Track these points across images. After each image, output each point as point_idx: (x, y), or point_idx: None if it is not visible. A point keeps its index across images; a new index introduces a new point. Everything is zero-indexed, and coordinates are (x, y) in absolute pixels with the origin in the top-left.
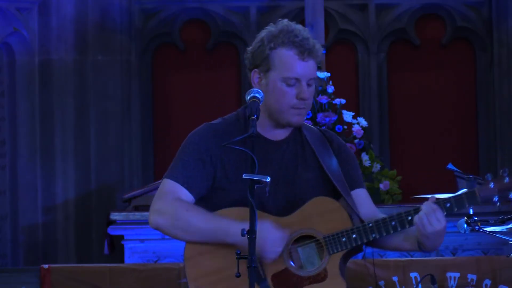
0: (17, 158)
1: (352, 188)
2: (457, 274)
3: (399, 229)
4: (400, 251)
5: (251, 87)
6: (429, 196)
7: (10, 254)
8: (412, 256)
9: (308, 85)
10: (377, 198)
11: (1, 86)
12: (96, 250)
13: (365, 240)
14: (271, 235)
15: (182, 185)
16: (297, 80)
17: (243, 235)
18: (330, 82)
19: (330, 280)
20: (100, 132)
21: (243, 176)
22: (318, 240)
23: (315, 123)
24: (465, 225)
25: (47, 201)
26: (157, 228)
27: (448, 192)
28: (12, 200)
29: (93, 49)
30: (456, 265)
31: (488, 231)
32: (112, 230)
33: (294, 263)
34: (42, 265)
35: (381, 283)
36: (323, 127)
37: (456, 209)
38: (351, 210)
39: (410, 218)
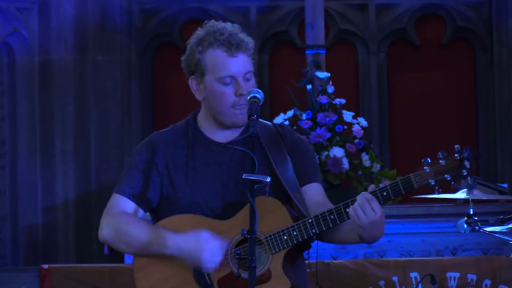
0: (17, 158)
1: (303, 184)
2: (457, 274)
3: (338, 222)
4: (344, 244)
5: None
6: (429, 196)
7: (10, 254)
8: (412, 256)
9: (246, 79)
10: None
11: (1, 86)
12: (96, 250)
13: (305, 236)
14: (208, 245)
15: (128, 198)
16: (232, 77)
17: (243, 235)
18: (330, 82)
19: (274, 280)
20: (100, 132)
21: (243, 176)
22: (260, 240)
23: (315, 123)
24: (465, 225)
25: (47, 201)
26: (104, 242)
27: (448, 192)
28: (12, 200)
29: (93, 49)
30: (456, 265)
31: (488, 231)
32: None
33: (239, 265)
34: (42, 265)
35: (381, 283)
36: (322, 128)
37: (393, 196)
38: (297, 209)
39: (348, 210)
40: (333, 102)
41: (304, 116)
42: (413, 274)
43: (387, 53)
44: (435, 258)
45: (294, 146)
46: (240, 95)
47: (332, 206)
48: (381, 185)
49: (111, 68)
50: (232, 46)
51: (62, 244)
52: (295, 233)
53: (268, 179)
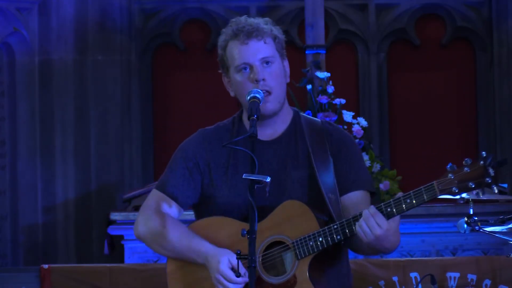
0: (17, 158)
1: (346, 191)
2: (457, 274)
3: None
4: (360, 253)
5: None
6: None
7: (10, 254)
8: (412, 256)
9: (265, 65)
10: (377, 198)
11: (1, 86)
12: (96, 250)
13: (331, 242)
14: (222, 267)
15: (168, 195)
16: (247, 64)
17: (243, 235)
18: (330, 82)
19: (299, 286)
20: (100, 132)
21: (243, 176)
22: (288, 245)
23: None
24: (465, 225)
25: (47, 201)
26: (139, 239)
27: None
28: (12, 200)
29: (93, 49)
30: (456, 265)
31: (488, 231)
32: (112, 230)
33: (268, 269)
34: (42, 265)
35: (381, 283)
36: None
37: (416, 204)
38: (328, 213)
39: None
40: (333, 102)
41: None
42: (413, 274)
43: (387, 53)
44: (435, 258)
45: (340, 149)
46: (256, 80)
47: None
48: (399, 195)
49: (111, 68)
50: (242, 34)
51: (62, 244)
52: (320, 239)
53: (268, 179)
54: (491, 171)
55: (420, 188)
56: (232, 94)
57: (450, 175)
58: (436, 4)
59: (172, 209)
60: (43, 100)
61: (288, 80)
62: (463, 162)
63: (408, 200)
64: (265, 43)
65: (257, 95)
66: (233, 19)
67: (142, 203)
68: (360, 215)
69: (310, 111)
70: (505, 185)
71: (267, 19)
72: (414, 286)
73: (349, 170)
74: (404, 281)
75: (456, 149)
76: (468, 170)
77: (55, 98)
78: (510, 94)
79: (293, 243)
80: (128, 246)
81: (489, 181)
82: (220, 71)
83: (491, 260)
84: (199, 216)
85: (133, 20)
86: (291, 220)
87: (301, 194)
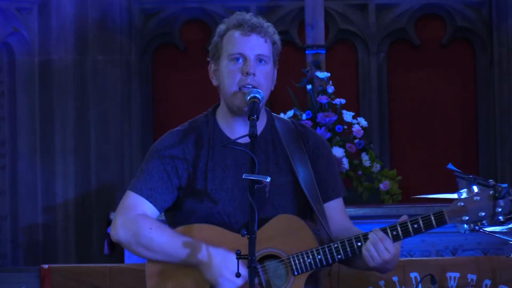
0: (17, 158)
1: (326, 199)
2: (457, 274)
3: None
4: (358, 269)
5: None
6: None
7: (10, 254)
8: (412, 256)
9: (260, 62)
10: (377, 198)
11: (1, 86)
12: (96, 250)
13: (330, 262)
14: (230, 269)
15: (146, 198)
16: (242, 55)
17: (243, 235)
18: (330, 82)
19: None
20: (100, 132)
21: (243, 176)
22: (283, 260)
23: (315, 123)
24: (465, 225)
25: (47, 201)
26: (118, 242)
27: (448, 192)
28: (12, 200)
29: (93, 49)
30: (456, 265)
31: (488, 231)
32: None
33: (259, 282)
34: (42, 265)
35: (381, 283)
36: (323, 128)
37: (424, 230)
38: (319, 225)
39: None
40: (333, 102)
41: (304, 116)
42: (413, 274)
43: (387, 53)
44: (435, 258)
45: (318, 152)
46: (247, 73)
47: (350, 223)
48: (405, 218)
49: (111, 68)
50: (245, 25)
51: (62, 244)
52: (319, 257)
53: (268, 179)
54: (501, 201)
55: (429, 214)
56: (215, 83)
57: (460, 203)
58: (436, 4)
59: (150, 212)
60: (43, 100)
61: (273, 87)
62: (471, 189)
63: (416, 226)
64: (265, 42)
65: (257, 95)
66: (239, 12)
67: None
68: (364, 235)
69: (310, 111)
70: (505, 185)
71: (270, 24)
72: (414, 286)
73: (328, 178)
74: (404, 281)
75: (456, 149)
76: (478, 199)
77: (55, 98)
78: (510, 94)
79: (288, 258)
80: None
81: (500, 210)
82: (208, 59)
83: (491, 260)
84: (173, 220)
85: (133, 20)
86: (286, 235)
87: (286, 202)
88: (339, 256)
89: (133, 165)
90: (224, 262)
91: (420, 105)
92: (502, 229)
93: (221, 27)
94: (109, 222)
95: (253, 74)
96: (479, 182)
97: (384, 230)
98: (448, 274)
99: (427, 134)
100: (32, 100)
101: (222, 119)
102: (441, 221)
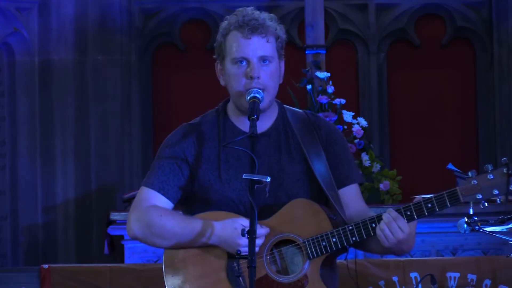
0: (17, 158)
1: (341, 185)
2: (457, 274)
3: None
4: (376, 253)
5: None
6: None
7: (10, 254)
8: (412, 256)
9: (263, 63)
10: (377, 198)
11: (1, 86)
12: (96, 250)
13: (345, 244)
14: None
15: (158, 191)
16: (245, 59)
17: (243, 235)
18: (330, 82)
19: (310, 286)
20: (100, 132)
21: (243, 176)
22: (298, 244)
23: None
24: (465, 225)
25: (47, 201)
26: (134, 238)
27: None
28: (12, 200)
29: (93, 49)
30: (456, 265)
31: (488, 231)
32: (112, 230)
33: (275, 268)
34: (42, 265)
35: (381, 283)
36: None
37: (437, 209)
38: (334, 211)
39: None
40: (333, 102)
41: None
42: (413, 274)
43: (387, 53)
44: (435, 258)
45: (331, 140)
46: (251, 77)
47: (367, 208)
48: (424, 196)
49: (111, 68)
50: (246, 28)
51: (62, 244)
52: (334, 239)
53: (268, 179)
54: None
55: (442, 193)
56: (222, 83)
57: (473, 181)
58: (436, 4)
59: (162, 204)
60: (43, 100)
61: (281, 80)
62: (485, 168)
63: (430, 205)
64: (267, 41)
65: (257, 95)
66: (240, 9)
67: None
68: (378, 216)
69: (310, 111)
70: None
71: (272, 15)
72: (414, 286)
73: (342, 164)
74: (404, 281)
75: (456, 149)
76: (492, 177)
77: (55, 98)
78: (510, 94)
79: (304, 242)
80: (128, 246)
81: None
82: (214, 57)
83: (491, 260)
84: (188, 212)
85: (133, 20)
86: (301, 219)
87: (300, 190)
88: (354, 238)
89: (133, 165)
90: (236, 232)
91: (420, 105)
92: (502, 229)
93: (224, 25)
94: (109, 222)
95: (258, 77)
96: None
97: (398, 211)
98: (448, 274)
99: (427, 134)
100: (32, 100)
101: (233, 114)
102: (455, 200)
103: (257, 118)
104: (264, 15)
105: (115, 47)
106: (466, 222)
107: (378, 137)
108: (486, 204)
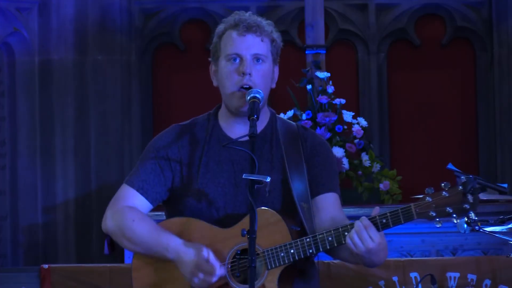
0: (17, 158)
1: (318, 193)
2: (457, 274)
3: (335, 245)
4: (345, 261)
5: None
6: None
7: (10, 254)
8: (412, 256)
9: (257, 62)
10: (377, 198)
11: (1, 86)
12: (96, 250)
13: (302, 256)
14: (205, 266)
15: (137, 190)
16: (238, 56)
17: (243, 235)
18: (330, 82)
19: None
20: (100, 132)
21: (243, 176)
22: (258, 253)
23: (315, 123)
24: (465, 225)
25: (47, 201)
26: (107, 233)
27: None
28: (12, 200)
29: (93, 49)
30: (456, 265)
31: (488, 231)
32: None
33: (240, 275)
34: (42, 265)
35: (381, 283)
36: (322, 128)
37: (392, 225)
38: (299, 222)
39: (346, 233)
40: (333, 102)
41: (304, 116)
42: (413, 274)
43: (387, 53)
44: (435, 258)
45: (314, 151)
46: (243, 73)
47: (344, 219)
48: (377, 211)
49: (111, 68)
50: (241, 25)
51: (62, 244)
52: (292, 250)
53: (268, 179)
54: (469, 197)
55: (397, 209)
56: (215, 83)
57: (428, 198)
58: (436, 4)
59: (140, 204)
60: (43, 100)
61: (273, 86)
62: (442, 185)
63: (384, 220)
64: (261, 41)
65: (257, 95)
66: (238, 12)
67: None
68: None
69: (310, 111)
70: (505, 185)
71: (270, 22)
72: (414, 286)
73: (321, 174)
74: (404, 281)
75: (456, 149)
76: (447, 195)
77: (55, 98)
78: (510, 94)
79: (263, 252)
80: None
81: (467, 207)
82: (209, 59)
83: (491, 260)
84: (169, 214)
85: (133, 20)
86: (263, 229)
87: (274, 198)
88: (311, 251)
89: (133, 165)
90: (195, 260)
91: (420, 105)
92: (502, 229)
93: (220, 27)
94: None
95: (249, 74)
96: (479, 182)
97: (372, 219)
98: (448, 274)
99: (427, 134)
100: (32, 100)
101: (223, 119)
102: (408, 216)
103: (257, 118)
104: (261, 19)
105: (115, 47)
106: (466, 222)
107: (378, 137)
108: (440, 223)
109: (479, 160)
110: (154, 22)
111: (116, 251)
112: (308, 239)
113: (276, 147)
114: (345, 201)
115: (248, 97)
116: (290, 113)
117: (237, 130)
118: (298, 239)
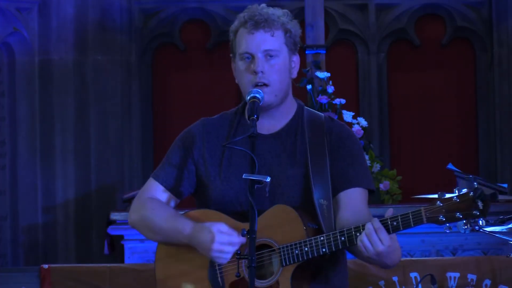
0: (17, 158)
1: (342, 189)
2: (457, 274)
3: (347, 245)
4: (361, 260)
5: None
6: (429, 196)
7: (10, 254)
8: (412, 256)
9: (268, 58)
10: (377, 198)
11: (1, 86)
12: (96, 250)
13: (316, 254)
14: (219, 237)
15: (161, 183)
16: (250, 54)
17: (243, 235)
18: (330, 82)
19: None
20: (100, 132)
21: (243, 176)
22: (274, 250)
23: None
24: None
25: (47, 201)
26: (133, 227)
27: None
28: (12, 200)
29: (93, 49)
30: (456, 265)
31: (488, 231)
32: (112, 230)
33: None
34: (42, 265)
35: (381, 283)
36: None
37: (402, 228)
38: (317, 220)
39: (358, 234)
40: (333, 102)
41: None
42: (413, 274)
43: (387, 53)
44: (435, 258)
45: (340, 144)
46: (254, 72)
47: (367, 216)
48: (391, 214)
49: (111, 68)
50: (250, 23)
51: (62, 244)
52: (306, 249)
53: (268, 179)
54: (480, 203)
55: (407, 212)
56: (236, 80)
57: (438, 202)
58: (436, 4)
59: (165, 197)
60: (43, 100)
61: (294, 75)
62: (453, 190)
63: (395, 223)
64: (272, 35)
65: (257, 95)
66: (250, 6)
67: None
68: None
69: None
70: (505, 185)
71: (285, 11)
72: (414, 286)
73: (346, 167)
74: (404, 281)
75: (456, 149)
76: (458, 200)
77: (55, 98)
78: (510, 94)
79: (279, 248)
80: (128, 246)
81: (477, 213)
82: (231, 55)
83: (491, 260)
84: (198, 206)
85: (133, 20)
86: (280, 225)
87: (295, 192)
88: (324, 250)
89: (133, 165)
90: (210, 237)
91: (420, 105)
92: (502, 229)
93: (234, 24)
94: (109, 222)
95: (262, 72)
96: (479, 182)
97: (383, 221)
98: (448, 274)
99: (427, 134)
100: (32, 100)
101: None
102: (418, 220)
103: (257, 118)
104: (273, 11)
105: (115, 47)
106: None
107: (378, 137)
108: (450, 228)
109: (479, 160)
110: (154, 22)
111: (116, 251)
112: (322, 238)
113: (301, 141)
114: None
115: (248, 97)
116: None
117: (260, 124)
118: (312, 238)
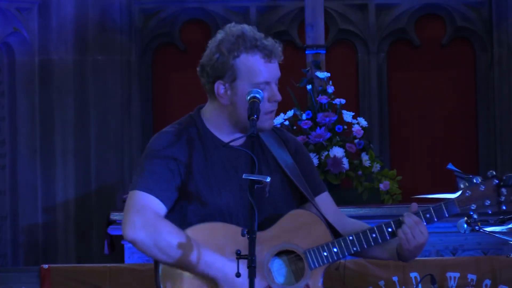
0: (17, 158)
1: (316, 193)
2: (457, 274)
3: (379, 241)
4: (377, 259)
5: None
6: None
7: (10, 254)
8: None
9: (276, 85)
10: (377, 198)
11: (1, 86)
12: (96, 250)
13: (346, 254)
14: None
15: (157, 197)
16: (267, 83)
17: (243, 235)
18: (330, 82)
19: None
20: (100, 132)
21: (243, 176)
22: (297, 254)
23: (315, 123)
24: (465, 225)
25: (47, 201)
26: (133, 242)
27: (448, 192)
28: (12, 200)
29: (93, 49)
30: (456, 265)
31: (488, 231)
32: (112, 230)
33: (276, 279)
34: (42, 265)
35: (381, 283)
36: (322, 128)
37: (436, 219)
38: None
39: (390, 229)
40: (333, 102)
41: (304, 116)
42: (413, 274)
43: (387, 53)
44: (435, 258)
45: (298, 152)
46: (275, 101)
47: (342, 214)
48: (416, 209)
49: (111, 68)
50: (269, 52)
51: (62, 244)
52: (335, 249)
53: (268, 179)
54: (503, 190)
55: (440, 204)
56: (226, 102)
57: (467, 192)
58: (436, 4)
59: (163, 210)
60: (43, 100)
61: None
62: (474, 180)
63: (428, 215)
64: (278, 63)
65: (257, 95)
66: (234, 27)
67: None
68: (395, 221)
69: (310, 111)
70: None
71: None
72: (414, 286)
73: (312, 174)
74: (404, 281)
75: (456, 149)
76: (483, 188)
77: (55, 98)
78: (510, 94)
79: (304, 252)
80: (128, 246)
81: (503, 199)
82: (205, 75)
83: (491, 260)
84: (179, 210)
85: (133, 20)
86: (301, 229)
87: (286, 199)
88: (355, 249)
89: (133, 165)
90: (229, 276)
91: (420, 105)
92: (502, 229)
93: (227, 44)
94: (109, 222)
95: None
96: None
97: (417, 214)
98: (448, 274)
99: (427, 134)
100: (32, 100)
101: (213, 124)
102: (451, 209)
103: (257, 118)
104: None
105: (115, 47)
106: (466, 222)
107: (378, 137)
108: (476, 216)
109: (479, 160)
110: (154, 22)
111: (116, 251)
112: (351, 237)
113: (266, 149)
114: (345, 201)
115: (248, 97)
116: (290, 113)
117: (230, 136)
118: (340, 238)
